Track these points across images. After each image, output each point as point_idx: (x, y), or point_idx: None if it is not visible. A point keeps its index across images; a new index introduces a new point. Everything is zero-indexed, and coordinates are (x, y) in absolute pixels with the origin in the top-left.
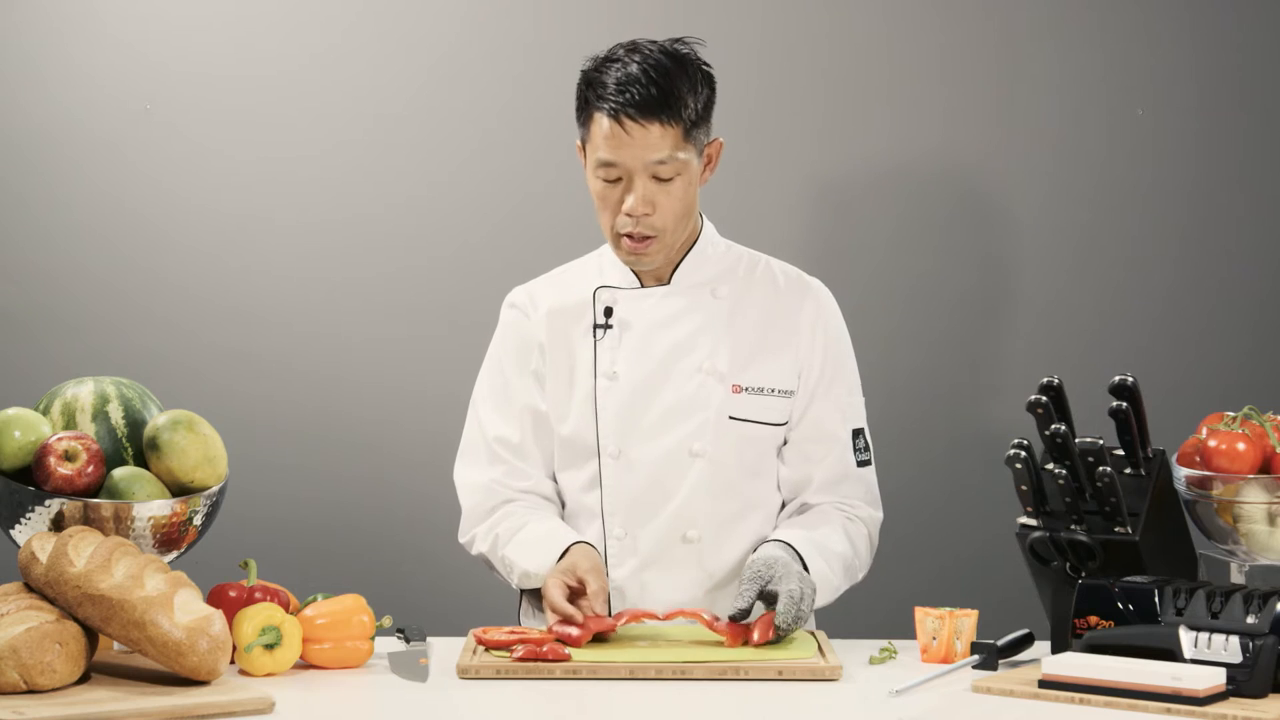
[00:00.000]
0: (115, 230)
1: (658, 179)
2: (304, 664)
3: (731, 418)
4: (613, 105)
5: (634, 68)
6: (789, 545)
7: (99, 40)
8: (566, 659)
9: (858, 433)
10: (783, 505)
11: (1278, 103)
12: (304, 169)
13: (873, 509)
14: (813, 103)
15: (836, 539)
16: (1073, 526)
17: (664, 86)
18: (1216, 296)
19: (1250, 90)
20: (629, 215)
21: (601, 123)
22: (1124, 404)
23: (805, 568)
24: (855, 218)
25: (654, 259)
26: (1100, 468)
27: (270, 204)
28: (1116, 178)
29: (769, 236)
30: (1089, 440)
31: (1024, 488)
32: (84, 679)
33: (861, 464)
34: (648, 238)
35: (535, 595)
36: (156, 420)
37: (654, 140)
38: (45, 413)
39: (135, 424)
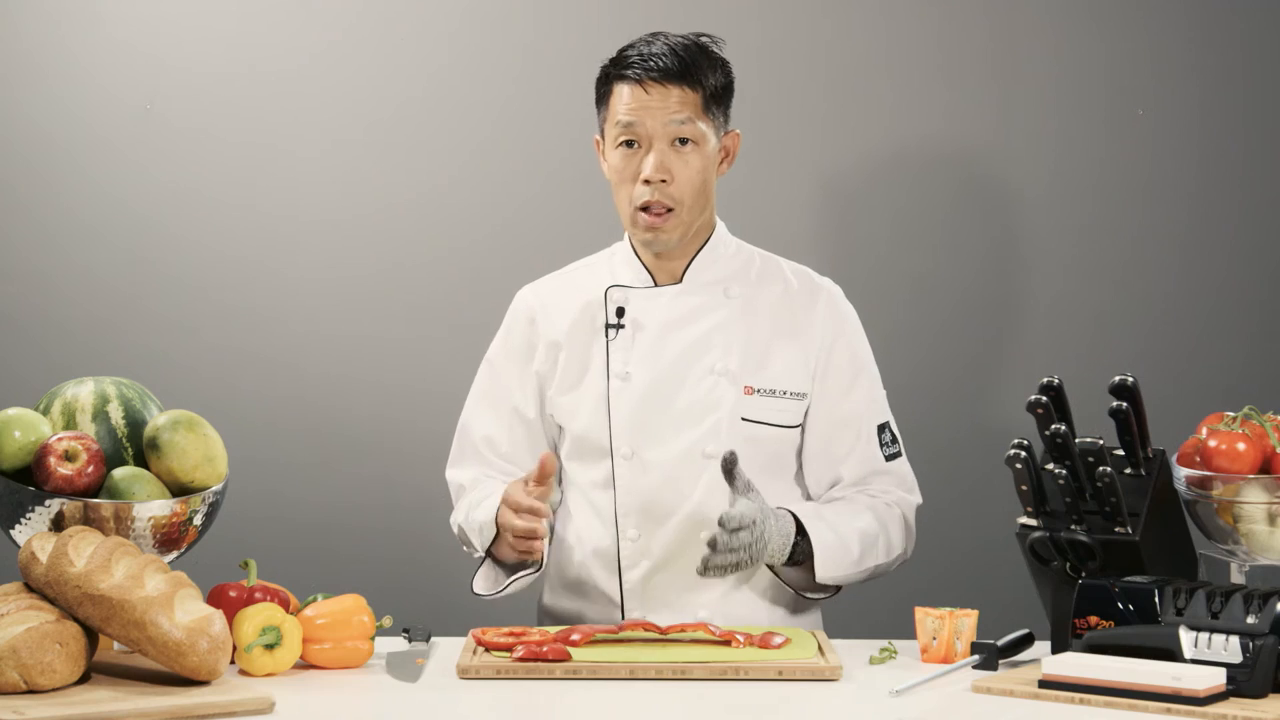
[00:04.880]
0: (116, 230)
1: (676, 146)
2: (304, 664)
3: (744, 419)
4: (635, 72)
5: (657, 45)
6: (790, 512)
7: (99, 39)
8: (567, 659)
9: (882, 428)
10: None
11: (1278, 102)
12: (304, 168)
13: (907, 493)
14: (815, 102)
15: (856, 514)
16: (1073, 526)
17: (685, 59)
18: (1216, 296)
19: (1250, 90)
20: (647, 183)
21: (622, 91)
22: (1124, 404)
23: (803, 536)
24: (855, 218)
25: (671, 236)
26: (1100, 468)
27: (271, 203)
28: (1116, 178)
29: (770, 234)
30: (1089, 440)
31: (1024, 488)
32: (84, 679)
33: (891, 457)
34: (665, 211)
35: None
36: (156, 420)
37: (674, 103)
38: (45, 413)
39: (135, 424)
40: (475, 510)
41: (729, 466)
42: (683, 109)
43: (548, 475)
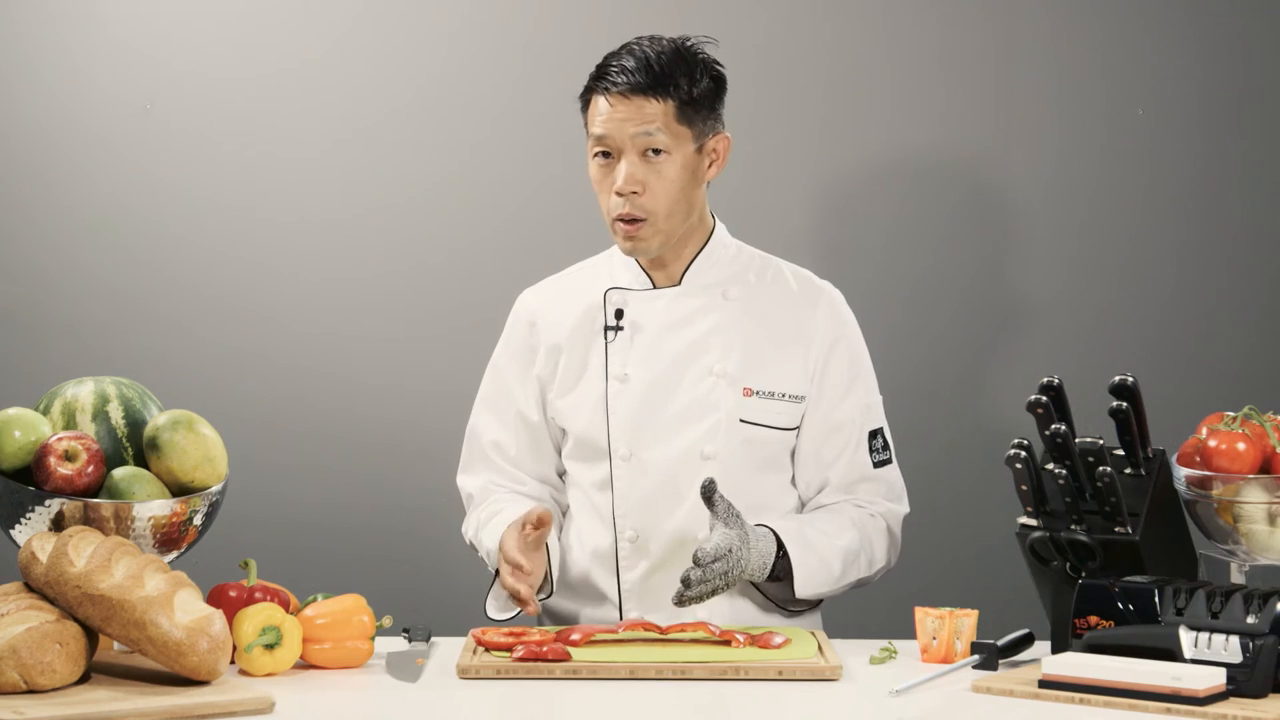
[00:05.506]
0: (116, 230)
1: (647, 157)
2: (304, 664)
3: (742, 420)
4: (607, 84)
5: (635, 52)
6: (772, 531)
7: (99, 40)
8: (566, 659)
9: (875, 434)
10: (802, 507)
11: (1278, 103)
12: (304, 168)
13: (893, 503)
14: (814, 103)
15: (840, 531)
16: (1073, 526)
17: (656, 70)
18: (1216, 296)
19: (1250, 90)
20: (619, 195)
21: (598, 103)
22: (1124, 404)
23: (784, 553)
24: (855, 218)
25: (648, 245)
26: (1100, 468)
27: (270, 203)
28: (1116, 178)
29: (770, 236)
30: (1089, 440)
31: (1024, 488)
32: (84, 679)
33: (880, 464)
34: (638, 220)
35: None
36: (156, 420)
37: (642, 114)
38: (45, 413)
39: (135, 424)
40: (482, 531)
41: (709, 494)
42: (652, 120)
43: (543, 524)
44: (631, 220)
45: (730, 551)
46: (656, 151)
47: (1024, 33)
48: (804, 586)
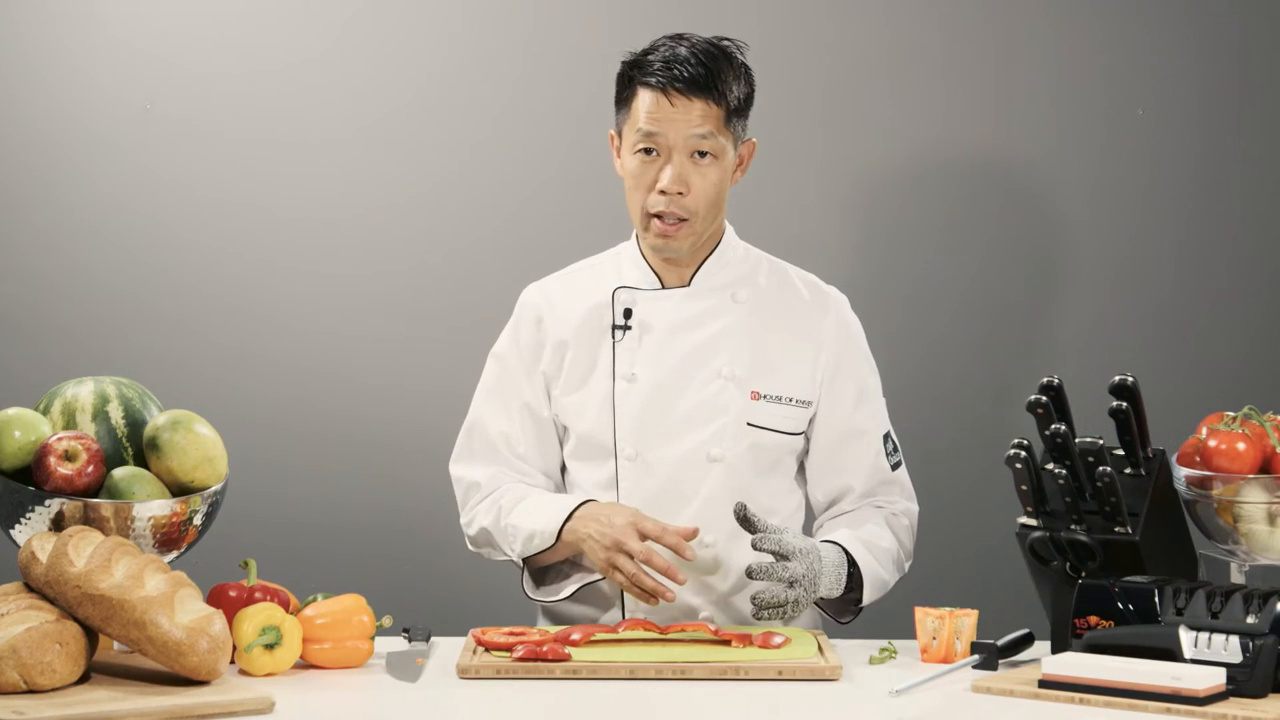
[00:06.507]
0: (116, 230)
1: (695, 159)
2: (304, 664)
3: (749, 424)
4: (660, 79)
5: (682, 50)
6: (838, 545)
7: (99, 39)
8: (566, 659)
9: (886, 437)
10: (810, 512)
11: (1278, 103)
12: (304, 168)
13: (911, 503)
14: (813, 105)
15: (883, 535)
16: (1073, 526)
17: (711, 68)
18: (1216, 296)
19: (1250, 90)
20: (663, 193)
21: (645, 97)
22: (1124, 404)
23: (853, 564)
24: (856, 218)
25: (681, 245)
26: (1100, 468)
27: (271, 203)
28: (1116, 178)
29: (773, 237)
30: (1089, 440)
31: (1024, 488)
32: (84, 679)
33: (895, 466)
34: (679, 220)
35: (542, 569)
36: (156, 420)
37: (697, 116)
38: (45, 413)
39: (135, 424)
40: (511, 515)
41: (743, 516)
42: (705, 123)
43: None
44: (671, 219)
45: (800, 551)
46: (703, 154)
47: (1024, 33)
48: (870, 593)
